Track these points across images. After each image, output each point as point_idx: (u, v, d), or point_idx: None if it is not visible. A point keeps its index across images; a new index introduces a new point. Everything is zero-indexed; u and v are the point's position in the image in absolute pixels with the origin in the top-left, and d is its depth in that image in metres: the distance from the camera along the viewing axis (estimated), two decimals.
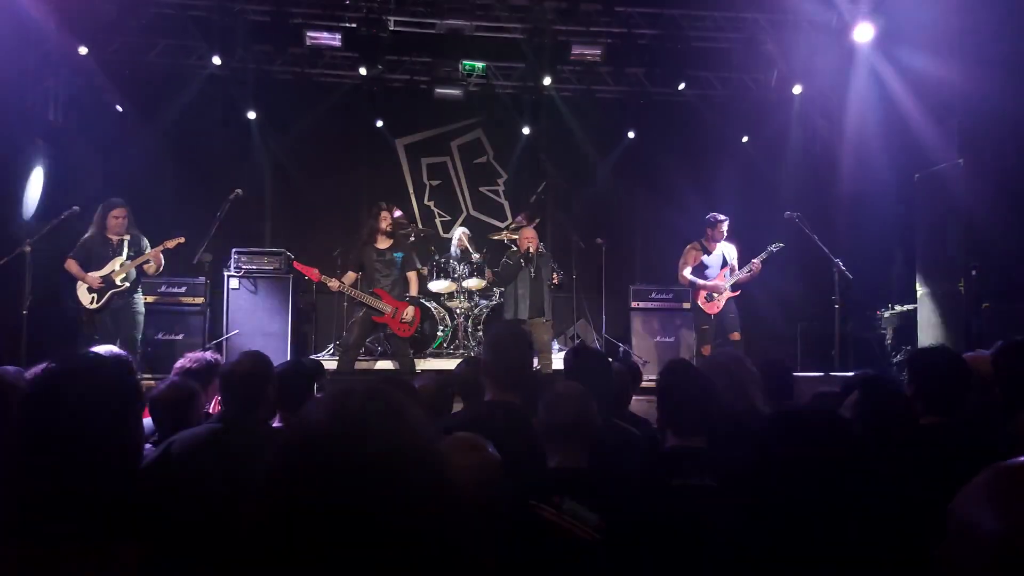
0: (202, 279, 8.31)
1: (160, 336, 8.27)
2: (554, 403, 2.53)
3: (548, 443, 2.49)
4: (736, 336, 7.62)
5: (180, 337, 8.26)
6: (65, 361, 1.66)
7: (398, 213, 9.72)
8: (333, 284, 7.11)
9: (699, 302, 7.82)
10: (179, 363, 3.83)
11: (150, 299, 8.29)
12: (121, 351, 4.92)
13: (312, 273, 7.16)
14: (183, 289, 8.42)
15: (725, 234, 7.91)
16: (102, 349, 4.24)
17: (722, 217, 7.93)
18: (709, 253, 7.89)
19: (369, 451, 0.97)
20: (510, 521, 2.20)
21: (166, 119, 9.67)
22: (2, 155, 7.85)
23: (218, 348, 8.04)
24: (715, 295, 7.74)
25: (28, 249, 7.01)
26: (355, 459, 0.97)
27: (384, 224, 7.33)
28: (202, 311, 8.36)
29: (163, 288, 8.36)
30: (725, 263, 7.86)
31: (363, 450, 0.97)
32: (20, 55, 8.44)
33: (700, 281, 7.78)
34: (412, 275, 7.60)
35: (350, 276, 7.29)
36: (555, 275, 7.97)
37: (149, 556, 1.50)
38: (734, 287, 7.79)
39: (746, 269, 7.72)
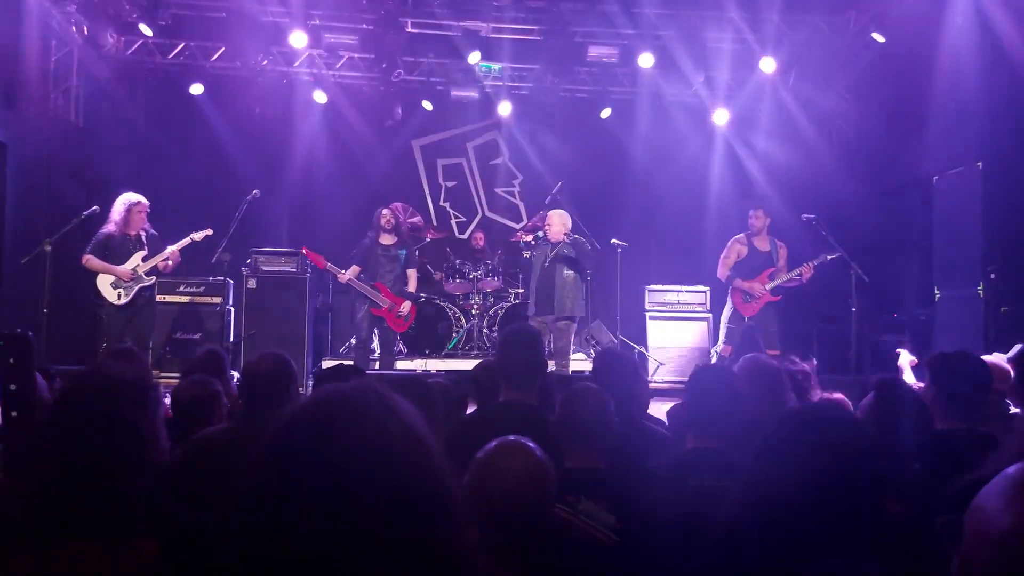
0: (220, 279, 8.37)
1: (178, 335, 8.34)
2: (571, 402, 2.54)
3: (565, 443, 2.49)
4: (775, 352, 6.99)
5: (198, 336, 8.31)
6: (86, 364, 1.69)
7: (415, 218, 9.81)
8: (343, 276, 7.48)
9: (735, 301, 7.35)
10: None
11: (169, 298, 8.38)
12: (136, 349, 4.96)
13: (319, 260, 7.58)
14: (201, 289, 8.49)
15: (762, 223, 7.36)
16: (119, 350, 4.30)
17: (756, 206, 7.49)
18: (756, 248, 7.34)
19: (346, 436, 0.99)
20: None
21: (185, 119, 9.76)
22: (24, 155, 7.94)
23: (236, 348, 8.09)
24: (752, 297, 7.25)
25: (48, 248, 7.07)
26: (330, 444, 0.98)
27: (383, 221, 7.65)
28: (220, 311, 8.42)
29: (181, 288, 8.43)
30: (772, 263, 7.35)
31: (338, 435, 0.99)
32: (43, 57, 8.55)
33: (738, 280, 7.27)
34: (412, 272, 7.81)
35: (353, 270, 7.55)
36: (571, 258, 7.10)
37: (167, 553, 1.52)
38: (775, 291, 7.26)
39: (795, 273, 7.21)
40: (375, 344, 8.07)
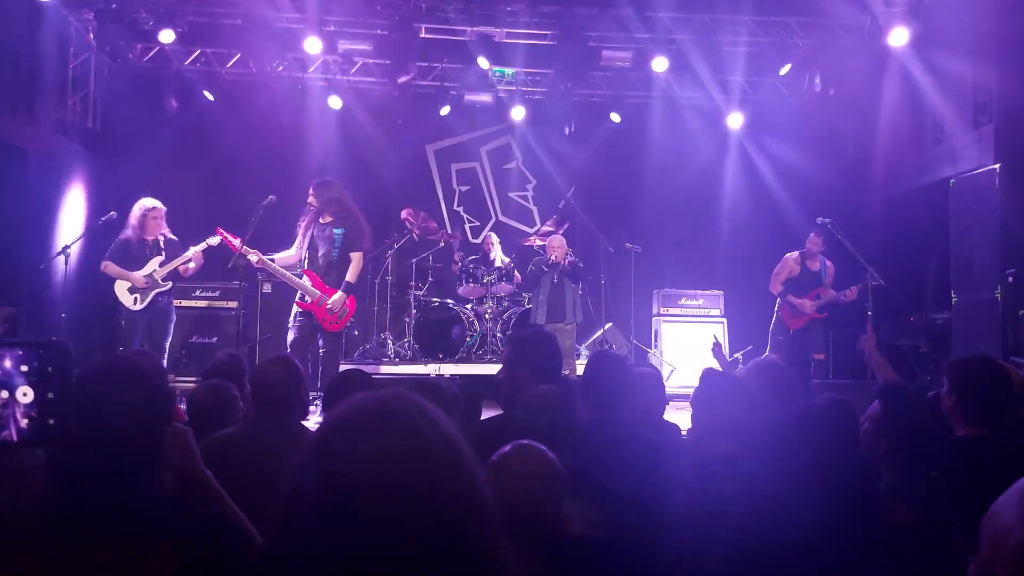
0: (236, 283, 8.40)
1: (194, 339, 8.39)
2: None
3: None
4: (819, 356, 7.57)
5: (214, 340, 8.36)
6: (104, 364, 1.70)
7: (429, 222, 9.79)
8: (253, 257, 6.35)
9: (782, 314, 7.78)
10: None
11: (185, 303, 8.43)
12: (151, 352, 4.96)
13: (233, 244, 6.46)
14: (217, 293, 8.54)
15: (820, 247, 7.75)
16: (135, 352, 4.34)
17: (817, 233, 7.79)
18: (808, 268, 7.77)
19: (384, 444, 0.99)
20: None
21: (201, 125, 9.83)
22: (44, 161, 8.01)
23: (251, 352, 8.12)
24: (800, 313, 7.66)
25: (68, 254, 7.12)
26: (368, 453, 0.98)
27: (309, 200, 6.59)
28: (236, 315, 8.46)
29: (197, 292, 8.49)
30: (820, 283, 7.76)
31: (376, 443, 0.99)
32: (61, 65, 8.64)
33: (790, 296, 7.70)
34: (356, 256, 6.51)
35: (287, 254, 6.52)
36: (567, 260, 7.91)
37: (184, 557, 1.53)
38: (821, 309, 7.67)
39: (840, 294, 7.59)
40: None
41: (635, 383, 3.46)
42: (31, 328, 7.39)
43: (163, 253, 6.84)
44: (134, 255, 6.78)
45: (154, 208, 6.85)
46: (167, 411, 1.75)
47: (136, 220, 6.81)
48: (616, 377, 3.15)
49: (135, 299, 6.74)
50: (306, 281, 6.39)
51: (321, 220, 6.54)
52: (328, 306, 6.30)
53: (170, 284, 6.88)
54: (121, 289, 6.75)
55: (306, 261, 6.50)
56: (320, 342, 6.53)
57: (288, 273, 6.45)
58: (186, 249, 6.87)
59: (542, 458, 1.94)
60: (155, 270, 6.78)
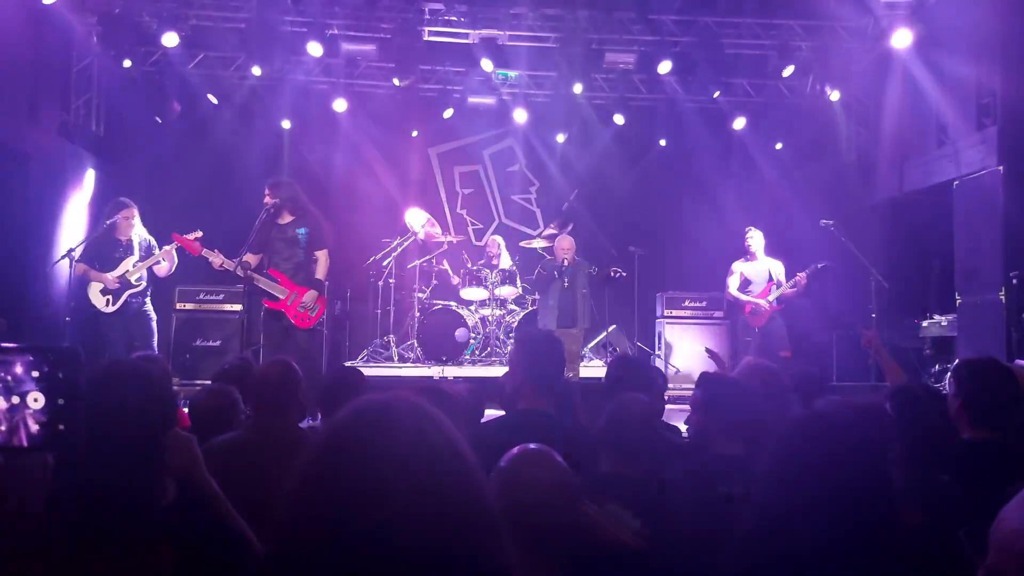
0: (240, 286, 8.40)
1: (198, 343, 8.40)
2: (620, 412, 2.60)
3: (605, 449, 2.52)
4: (786, 353, 7.71)
5: (217, 344, 8.37)
6: (109, 369, 1.70)
7: (434, 227, 9.79)
8: (216, 260, 6.20)
9: (743, 316, 8.12)
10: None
11: (189, 306, 8.43)
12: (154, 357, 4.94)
13: (192, 246, 6.30)
14: (221, 296, 8.55)
15: (752, 245, 8.07)
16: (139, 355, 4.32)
17: (746, 229, 8.19)
18: (756, 269, 8.10)
19: (387, 447, 0.99)
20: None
21: (205, 128, 9.84)
22: (48, 166, 8.02)
23: (255, 355, 8.12)
24: (758, 310, 7.95)
25: (72, 257, 7.13)
26: (368, 455, 0.98)
27: (265, 199, 6.38)
28: (240, 318, 8.47)
29: (201, 295, 8.51)
30: (771, 279, 8.05)
31: (380, 447, 0.99)
32: (64, 69, 8.66)
33: (743, 297, 8.06)
34: (321, 254, 6.41)
35: (249, 259, 6.24)
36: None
37: (183, 558, 1.53)
38: (778, 301, 7.95)
39: (791, 284, 7.89)
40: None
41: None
42: (33, 332, 7.40)
43: (135, 253, 6.74)
44: (105, 255, 6.69)
45: (126, 208, 6.76)
46: (170, 416, 1.75)
47: (109, 221, 6.71)
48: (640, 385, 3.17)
49: (107, 300, 6.62)
50: (275, 281, 6.31)
51: (280, 221, 6.38)
52: (301, 302, 6.23)
53: (144, 284, 6.76)
54: (94, 291, 6.65)
55: (267, 262, 6.37)
56: (299, 343, 6.35)
57: (256, 275, 6.31)
58: (160, 250, 6.75)
59: (551, 463, 1.91)
60: (128, 270, 6.67)
